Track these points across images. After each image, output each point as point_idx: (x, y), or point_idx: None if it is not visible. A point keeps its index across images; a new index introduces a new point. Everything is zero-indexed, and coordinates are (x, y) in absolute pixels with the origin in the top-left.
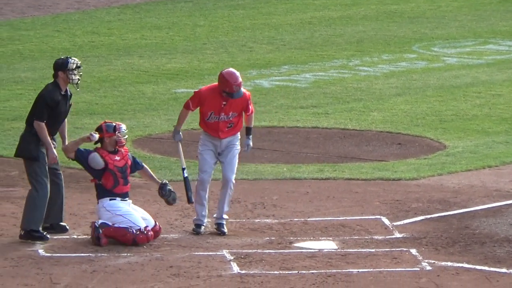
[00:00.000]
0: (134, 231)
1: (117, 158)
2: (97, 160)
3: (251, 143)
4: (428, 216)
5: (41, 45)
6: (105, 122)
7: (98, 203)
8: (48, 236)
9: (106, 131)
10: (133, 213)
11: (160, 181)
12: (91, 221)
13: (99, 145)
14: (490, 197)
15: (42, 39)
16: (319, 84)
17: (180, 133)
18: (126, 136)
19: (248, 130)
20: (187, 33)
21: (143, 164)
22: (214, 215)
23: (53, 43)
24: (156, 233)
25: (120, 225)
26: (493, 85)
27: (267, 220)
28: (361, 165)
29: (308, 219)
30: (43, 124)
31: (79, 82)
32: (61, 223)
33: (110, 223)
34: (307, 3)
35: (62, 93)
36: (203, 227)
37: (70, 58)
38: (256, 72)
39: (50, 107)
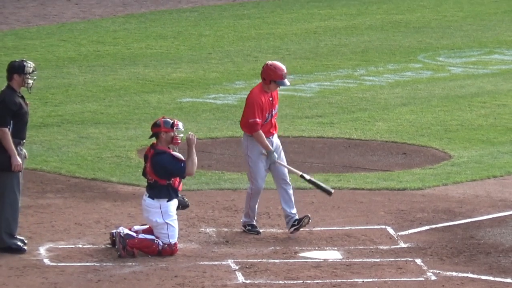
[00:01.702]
0: (161, 244)
1: None
2: (176, 155)
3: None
4: (433, 226)
5: (46, 54)
6: (163, 118)
7: (153, 199)
8: (26, 248)
9: (164, 126)
10: (173, 227)
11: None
12: (111, 231)
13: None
14: (495, 207)
15: (48, 48)
16: (324, 94)
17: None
18: (182, 135)
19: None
20: (192, 43)
21: None
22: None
23: (58, 52)
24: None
25: (146, 237)
26: (498, 95)
27: (272, 230)
28: (366, 175)
29: (313, 228)
30: (7, 130)
31: (33, 86)
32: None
33: (134, 234)
34: (312, 13)
35: (19, 95)
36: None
37: (26, 61)
38: None
39: (13, 111)
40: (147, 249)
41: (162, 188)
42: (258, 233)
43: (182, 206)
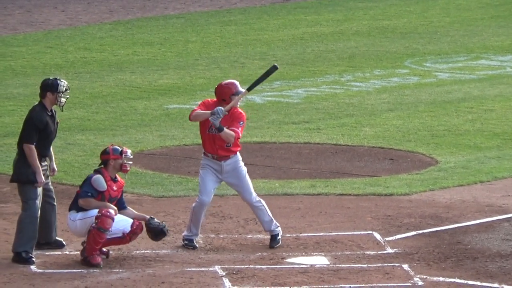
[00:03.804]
0: (95, 225)
1: (115, 188)
2: (102, 182)
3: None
4: (420, 232)
5: (33, 61)
6: (112, 145)
7: (74, 211)
8: (34, 260)
9: (113, 153)
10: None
11: (148, 217)
12: (82, 241)
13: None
14: (482, 212)
15: (34, 55)
16: (311, 100)
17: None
18: (131, 163)
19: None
20: (179, 49)
21: (127, 206)
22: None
23: (45, 59)
24: (138, 227)
25: (112, 236)
26: (485, 100)
27: (259, 236)
28: (353, 180)
29: (300, 234)
30: (33, 146)
31: (65, 104)
32: (58, 238)
33: (82, 245)
34: (299, 19)
35: (49, 113)
36: (195, 241)
37: (59, 80)
38: None
39: (39, 129)
40: (95, 240)
41: (76, 199)
42: (194, 247)
43: (159, 232)
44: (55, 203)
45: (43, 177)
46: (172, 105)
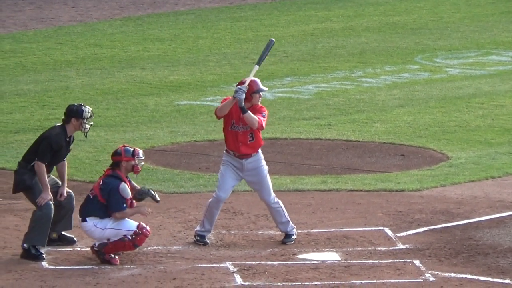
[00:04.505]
0: (130, 237)
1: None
2: (127, 190)
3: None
4: (431, 227)
5: (43, 58)
6: (123, 146)
7: (85, 221)
8: (44, 256)
9: (125, 155)
10: (121, 221)
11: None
12: (90, 247)
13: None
14: (493, 208)
15: (45, 51)
16: (321, 96)
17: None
18: (143, 163)
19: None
20: (189, 45)
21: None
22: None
23: (55, 55)
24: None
25: (115, 239)
26: (496, 96)
27: (271, 232)
28: (364, 176)
29: (311, 230)
30: (44, 166)
31: (89, 130)
32: (69, 235)
33: (106, 241)
34: (310, 15)
35: (67, 139)
36: (206, 238)
37: (84, 106)
38: None
39: (54, 150)
40: (123, 248)
41: (99, 206)
42: (205, 244)
43: (150, 198)
44: (72, 194)
45: (50, 195)
46: (183, 101)
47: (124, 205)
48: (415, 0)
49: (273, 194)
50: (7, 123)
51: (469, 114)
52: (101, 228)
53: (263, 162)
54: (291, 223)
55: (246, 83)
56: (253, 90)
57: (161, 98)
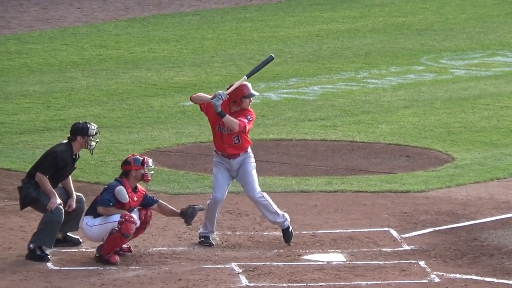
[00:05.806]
0: (117, 228)
1: (135, 198)
2: (124, 195)
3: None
4: (437, 228)
5: (49, 59)
6: (133, 155)
7: (91, 217)
8: (49, 257)
9: (134, 164)
10: (108, 217)
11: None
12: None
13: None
14: (498, 209)
15: (50, 52)
16: (327, 97)
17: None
18: (153, 172)
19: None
20: (195, 46)
21: (158, 199)
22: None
23: (61, 56)
24: (147, 215)
25: (106, 236)
26: (501, 97)
27: (276, 233)
28: (370, 177)
29: (317, 231)
30: (45, 177)
31: (95, 148)
32: (74, 236)
33: (101, 241)
34: (315, 16)
35: (73, 156)
36: (211, 239)
37: (90, 123)
38: (264, 85)
39: (58, 167)
40: (115, 242)
41: (94, 205)
42: (211, 245)
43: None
44: (83, 198)
45: (59, 200)
46: (188, 102)
47: (111, 203)
48: (421, 1)
49: (258, 189)
50: (12, 124)
51: (475, 115)
52: (90, 226)
53: (251, 160)
54: (281, 213)
55: (228, 91)
56: (243, 95)
57: (167, 99)
